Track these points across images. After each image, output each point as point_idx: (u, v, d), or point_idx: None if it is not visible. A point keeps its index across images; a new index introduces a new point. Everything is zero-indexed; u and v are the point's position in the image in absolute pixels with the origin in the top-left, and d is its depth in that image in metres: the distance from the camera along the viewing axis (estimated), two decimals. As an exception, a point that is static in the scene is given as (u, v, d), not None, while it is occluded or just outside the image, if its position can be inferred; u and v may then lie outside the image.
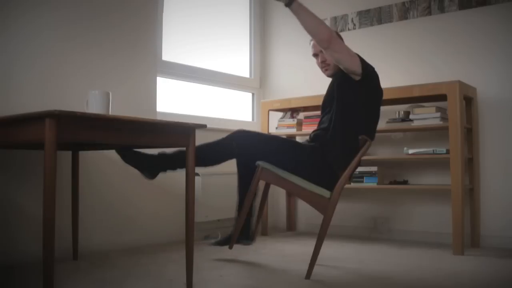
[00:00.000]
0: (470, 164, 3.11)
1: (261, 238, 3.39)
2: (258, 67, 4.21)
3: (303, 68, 3.90)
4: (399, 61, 3.49)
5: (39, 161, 2.39)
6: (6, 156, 2.44)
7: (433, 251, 2.90)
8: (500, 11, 3.11)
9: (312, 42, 2.49)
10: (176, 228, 3.15)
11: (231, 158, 2.52)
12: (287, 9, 2.18)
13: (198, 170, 3.01)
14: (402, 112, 3.19)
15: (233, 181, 2.72)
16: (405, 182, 3.32)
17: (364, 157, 2.47)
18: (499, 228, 3.04)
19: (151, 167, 2.35)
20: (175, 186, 3.17)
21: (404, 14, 3.49)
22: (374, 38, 3.61)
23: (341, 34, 2.68)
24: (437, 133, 3.22)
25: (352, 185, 3.30)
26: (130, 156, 2.32)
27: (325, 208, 2.22)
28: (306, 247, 2.95)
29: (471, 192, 3.10)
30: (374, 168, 3.26)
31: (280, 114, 3.85)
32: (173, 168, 2.38)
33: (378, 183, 3.23)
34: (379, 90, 2.43)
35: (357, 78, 2.32)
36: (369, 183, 3.25)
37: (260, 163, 2.39)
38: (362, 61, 2.32)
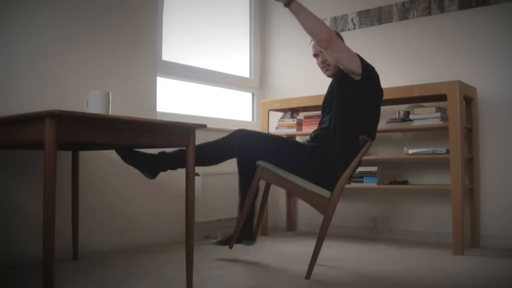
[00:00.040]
0: (470, 164, 3.11)
1: (261, 238, 3.39)
2: (258, 67, 4.21)
3: (303, 68, 3.90)
4: (399, 61, 3.49)
5: (39, 161, 2.39)
6: (6, 156, 2.44)
7: (433, 251, 2.90)
8: (500, 11, 3.11)
9: (312, 43, 2.49)
10: (176, 228, 3.15)
11: (231, 157, 2.52)
12: (287, 9, 2.18)
13: (198, 170, 3.02)
14: (402, 112, 3.19)
15: (233, 181, 2.72)
16: (405, 182, 3.32)
17: (364, 157, 2.46)
18: (499, 228, 3.04)
19: (151, 167, 2.34)
20: (175, 186, 3.17)
21: (404, 14, 3.49)
22: (374, 38, 3.61)
23: (341, 34, 2.67)
24: (437, 133, 3.22)
25: (352, 185, 3.30)
26: (130, 156, 2.32)
27: (325, 208, 2.21)
28: (306, 247, 2.95)
29: (471, 192, 3.10)
30: (374, 168, 3.26)
31: (280, 114, 3.85)
32: (174, 167, 2.38)
33: (378, 183, 3.23)
34: (379, 90, 2.43)
35: (357, 78, 2.32)
36: (369, 183, 3.25)
37: (260, 163, 2.39)
38: (362, 61, 2.32)
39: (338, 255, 2.77)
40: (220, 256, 2.68)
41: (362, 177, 3.28)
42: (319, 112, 2.74)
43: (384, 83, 2.49)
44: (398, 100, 3.19)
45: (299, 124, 3.68)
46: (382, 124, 2.83)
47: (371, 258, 2.66)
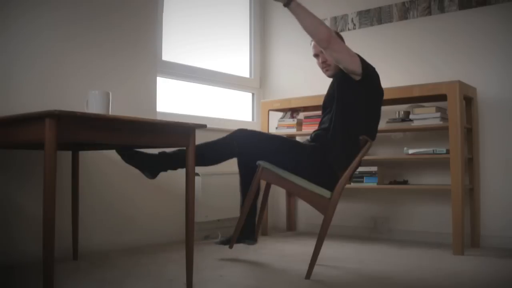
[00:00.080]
0: (470, 164, 3.11)
1: (261, 238, 3.39)
2: (258, 67, 4.21)
3: (303, 68, 3.90)
4: (399, 61, 3.49)
5: (39, 161, 2.39)
6: (6, 156, 2.44)
7: (433, 251, 2.90)
8: (500, 11, 3.11)
9: (312, 43, 2.49)
10: (176, 228, 3.15)
11: (231, 157, 2.52)
12: (287, 9, 2.18)
13: (198, 170, 3.02)
14: (402, 112, 3.19)
15: (233, 181, 2.72)
16: (405, 182, 3.32)
17: (364, 157, 2.46)
18: (499, 228, 3.04)
19: (151, 167, 2.34)
20: (175, 186, 3.17)
21: (404, 14, 3.49)
22: (374, 38, 3.61)
23: (341, 34, 2.67)
24: (437, 133, 3.22)
25: (352, 185, 3.30)
26: (130, 156, 2.32)
27: (326, 208, 2.21)
28: (306, 247, 2.95)
29: (471, 192, 3.10)
30: (374, 168, 3.26)
31: (280, 114, 3.85)
32: (174, 167, 2.38)
33: (378, 183, 3.23)
34: (379, 90, 2.43)
35: (357, 78, 2.32)
36: (369, 183, 3.25)
37: (260, 162, 2.39)
38: (362, 61, 2.32)
39: (338, 255, 2.77)
40: (220, 256, 2.68)
41: (362, 177, 3.28)
42: (319, 112, 2.74)
43: (384, 83, 2.49)
44: (398, 100, 3.19)
45: (299, 124, 3.68)
46: (382, 124, 2.83)
47: (371, 258, 2.66)
